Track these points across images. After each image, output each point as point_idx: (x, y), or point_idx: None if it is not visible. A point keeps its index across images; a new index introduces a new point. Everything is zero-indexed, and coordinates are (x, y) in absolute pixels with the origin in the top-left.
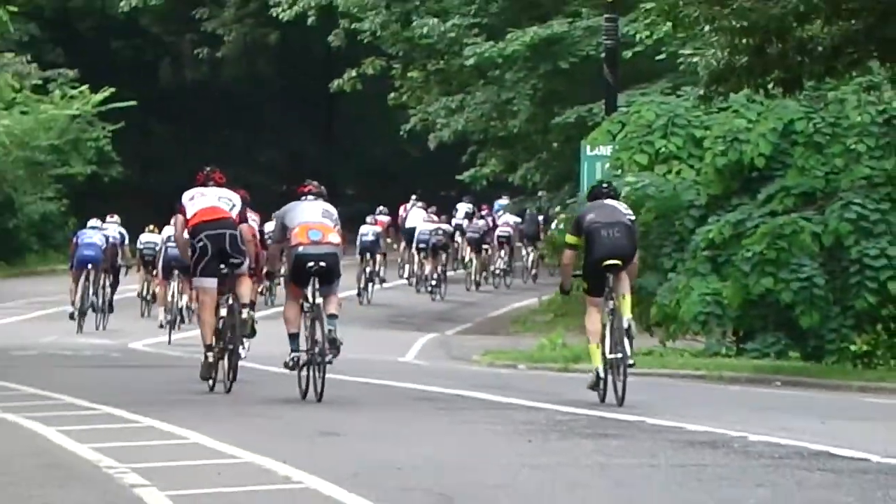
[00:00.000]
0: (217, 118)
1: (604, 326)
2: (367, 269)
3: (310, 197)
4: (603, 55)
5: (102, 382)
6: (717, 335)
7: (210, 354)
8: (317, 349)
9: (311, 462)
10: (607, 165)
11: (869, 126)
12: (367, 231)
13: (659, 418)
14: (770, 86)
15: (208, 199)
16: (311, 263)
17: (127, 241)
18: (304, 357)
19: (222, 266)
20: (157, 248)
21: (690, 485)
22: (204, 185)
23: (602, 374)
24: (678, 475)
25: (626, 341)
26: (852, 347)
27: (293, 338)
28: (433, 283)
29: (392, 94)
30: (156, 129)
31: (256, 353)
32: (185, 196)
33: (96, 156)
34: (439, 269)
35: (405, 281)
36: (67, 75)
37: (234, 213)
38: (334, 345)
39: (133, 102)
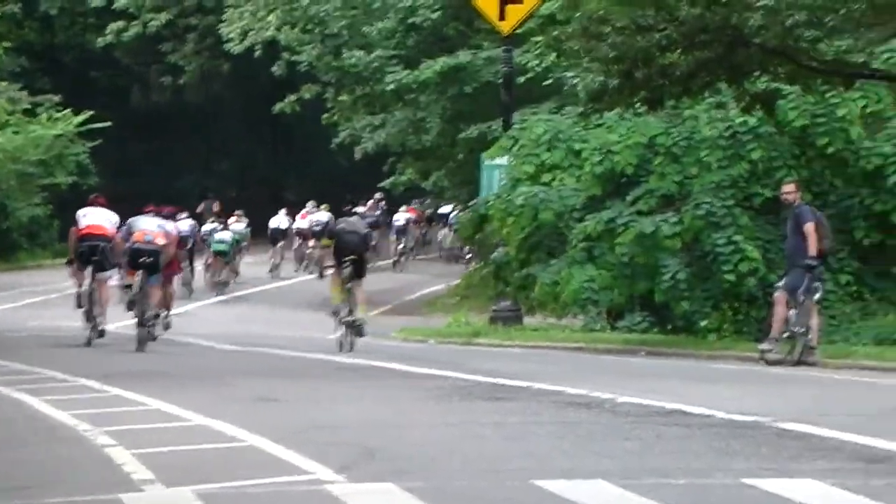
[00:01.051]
0: (179, 135)
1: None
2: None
3: (150, 214)
4: (500, 81)
5: (78, 359)
6: (593, 314)
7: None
8: (145, 316)
9: (254, 423)
10: (503, 179)
11: (717, 139)
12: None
13: (544, 383)
14: (637, 105)
15: (96, 218)
16: (142, 258)
17: None
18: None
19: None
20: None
21: (569, 438)
22: (92, 205)
23: (340, 308)
24: (559, 431)
25: (357, 310)
26: (702, 323)
27: (130, 305)
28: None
29: (325, 114)
30: (129, 145)
31: (199, 331)
32: (79, 213)
33: (76, 168)
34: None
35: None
36: (53, 100)
37: (112, 229)
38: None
39: (108, 123)
